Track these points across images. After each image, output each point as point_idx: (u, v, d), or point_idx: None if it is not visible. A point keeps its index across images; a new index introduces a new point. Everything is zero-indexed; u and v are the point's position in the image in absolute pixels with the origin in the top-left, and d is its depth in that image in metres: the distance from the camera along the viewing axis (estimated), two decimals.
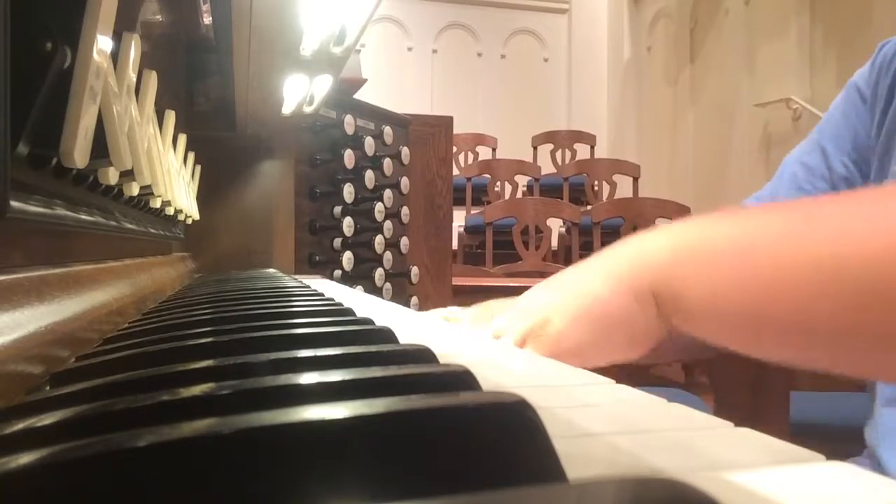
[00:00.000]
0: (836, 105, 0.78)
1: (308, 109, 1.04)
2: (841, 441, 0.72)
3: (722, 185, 4.54)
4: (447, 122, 1.85)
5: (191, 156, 0.98)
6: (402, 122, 1.65)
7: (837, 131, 0.75)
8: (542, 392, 0.26)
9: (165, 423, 0.14)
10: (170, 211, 0.78)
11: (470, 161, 4.67)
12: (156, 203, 0.71)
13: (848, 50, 3.70)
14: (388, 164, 1.51)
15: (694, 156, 4.89)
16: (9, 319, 0.31)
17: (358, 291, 0.99)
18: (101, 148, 0.41)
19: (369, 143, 1.47)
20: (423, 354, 0.26)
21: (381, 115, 1.57)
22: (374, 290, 1.48)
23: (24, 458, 0.13)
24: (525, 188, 4.42)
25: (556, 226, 3.62)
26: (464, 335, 0.46)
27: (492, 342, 0.43)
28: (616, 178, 4.28)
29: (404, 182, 1.57)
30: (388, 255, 1.50)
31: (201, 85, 1.20)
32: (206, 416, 0.15)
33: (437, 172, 1.81)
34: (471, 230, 3.85)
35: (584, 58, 5.80)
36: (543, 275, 2.91)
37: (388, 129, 1.55)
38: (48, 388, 0.30)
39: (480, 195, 4.23)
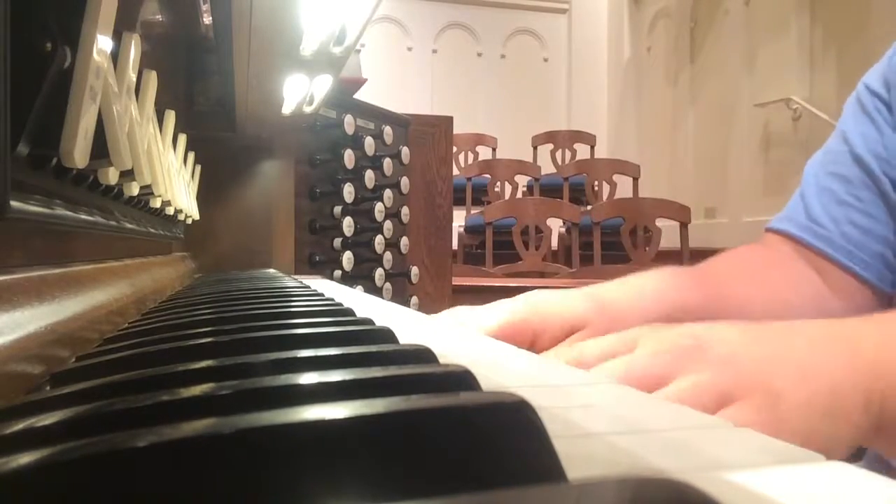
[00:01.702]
0: (854, 112, 0.73)
1: (308, 109, 1.04)
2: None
3: (722, 185, 4.55)
4: (447, 122, 1.85)
5: (191, 156, 0.98)
6: (402, 122, 1.65)
7: (864, 135, 0.70)
8: (542, 392, 0.26)
9: (165, 423, 0.14)
10: (170, 211, 0.78)
11: (470, 161, 4.67)
12: (156, 203, 0.71)
13: (848, 50, 3.70)
14: (388, 164, 1.51)
15: (694, 156, 4.89)
16: (9, 319, 0.31)
17: (358, 291, 0.99)
18: (101, 148, 0.41)
19: (369, 143, 1.47)
20: (423, 354, 0.26)
21: (381, 115, 1.57)
22: (374, 290, 1.48)
23: (24, 458, 0.13)
24: (525, 188, 4.42)
25: (556, 226, 3.62)
26: (464, 335, 0.46)
27: (492, 342, 0.42)
28: (616, 178, 4.28)
29: (404, 182, 1.57)
30: (388, 255, 1.50)
31: (201, 85, 1.20)
32: (206, 416, 0.15)
33: (437, 172, 1.81)
34: (471, 230, 3.85)
35: (584, 58, 5.80)
36: (543, 275, 2.89)
37: (388, 129, 1.55)
38: (48, 388, 0.30)
39: (480, 195, 4.23)
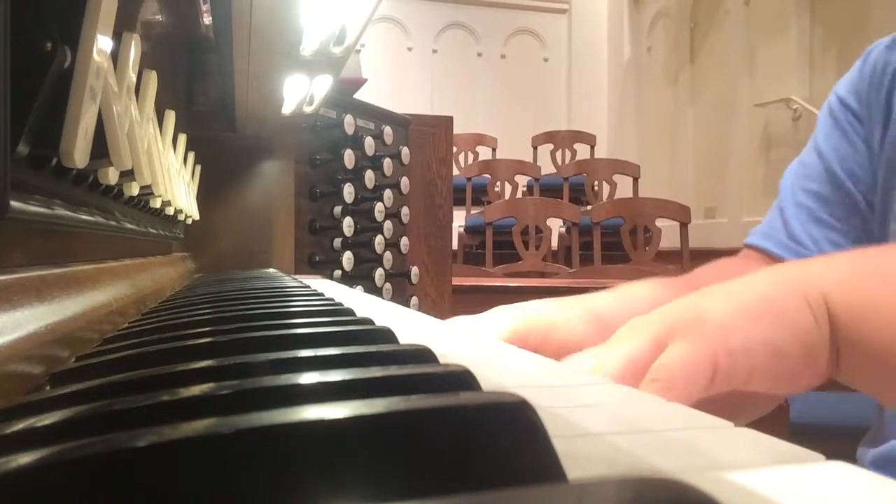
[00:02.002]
0: (828, 126, 0.72)
1: (308, 109, 1.04)
2: (840, 441, 0.72)
3: (722, 185, 4.55)
4: (447, 122, 1.85)
5: (191, 156, 0.98)
6: (402, 122, 1.65)
7: (838, 151, 0.70)
8: (543, 392, 0.26)
9: (165, 423, 0.14)
10: (170, 211, 0.78)
11: (470, 161, 4.67)
12: (156, 203, 0.71)
13: (848, 50, 3.69)
14: (388, 164, 1.51)
15: (694, 156, 4.89)
16: (9, 319, 0.31)
17: (358, 291, 0.99)
18: (101, 148, 0.41)
19: (369, 143, 1.47)
20: (423, 354, 0.26)
21: (381, 115, 1.57)
22: (374, 290, 1.47)
23: (24, 458, 0.13)
24: (525, 188, 4.43)
25: (556, 226, 3.62)
26: (464, 335, 0.46)
27: (492, 342, 0.43)
28: (616, 178, 4.28)
29: (404, 182, 1.57)
30: (388, 255, 1.50)
31: (201, 85, 1.20)
32: (206, 416, 0.15)
33: (437, 172, 1.81)
34: (471, 230, 3.85)
35: (584, 58, 5.80)
36: (543, 275, 2.89)
37: (388, 129, 1.55)
38: (48, 388, 0.30)
39: (480, 195, 4.23)
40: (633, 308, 0.57)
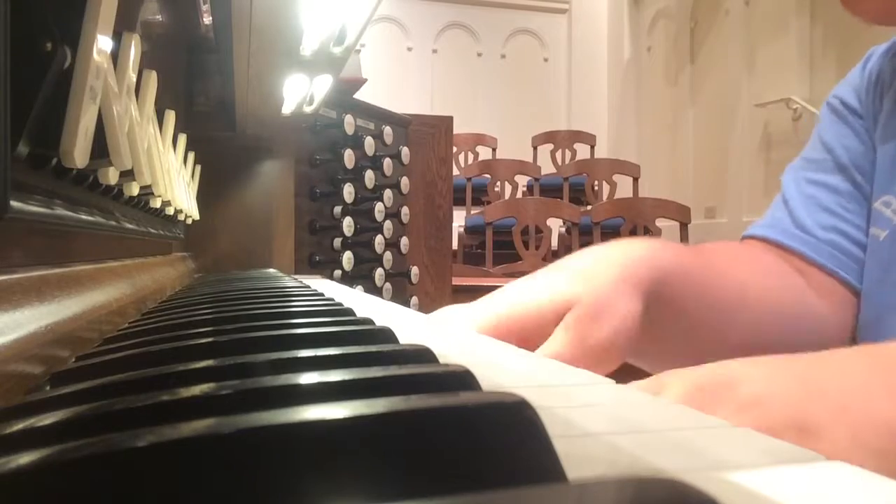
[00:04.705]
0: (833, 123, 0.72)
1: (308, 109, 1.04)
2: None
3: (722, 185, 4.55)
4: (447, 122, 1.85)
5: (191, 156, 0.98)
6: (402, 122, 1.65)
7: (847, 147, 0.70)
8: (542, 392, 0.26)
9: (165, 423, 0.14)
10: (170, 211, 0.78)
11: (470, 161, 4.67)
12: (156, 203, 0.71)
13: (848, 50, 3.69)
14: (388, 164, 1.51)
15: (694, 156, 4.89)
16: (9, 319, 0.31)
17: (358, 291, 0.99)
18: (101, 148, 0.41)
19: (369, 143, 1.47)
20: (423, 354, 0.26)
21: (381, 115, 1.57)
22: (374, 290, 1.48)
23: (24, 458, 0.13)
24: (525, 188, 4.42)
25: (556, 226, 3.62)
26: (464, 335, 0.46)
27: (492, 342, 0.42)
28: (616, 178, 4.28)
29: (404, 182, 1.57)
30: (388, 255, 1.50)
31: (201, 85, 1.20)
32: (206, 416, 0.15)
33: (437, 172, 1.81)
34: (471, 230, 3.85)
35: (584, 58, 5.80)
36: None
37: (388, 129, 1.55)
38: (48, 388, 0.30)
39: (480, 195, 4.23)
40: (618, 256, 0.54)
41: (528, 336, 0.50)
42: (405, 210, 1.56)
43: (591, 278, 0.51)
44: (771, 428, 0.30)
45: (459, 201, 3.85)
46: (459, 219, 3.65)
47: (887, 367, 0.36)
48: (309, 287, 0.69)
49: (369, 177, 1.45)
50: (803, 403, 0.33)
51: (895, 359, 0.37)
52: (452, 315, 0.53)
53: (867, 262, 0.66)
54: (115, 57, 0.45)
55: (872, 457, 0.32)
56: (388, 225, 1.51)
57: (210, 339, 0.31)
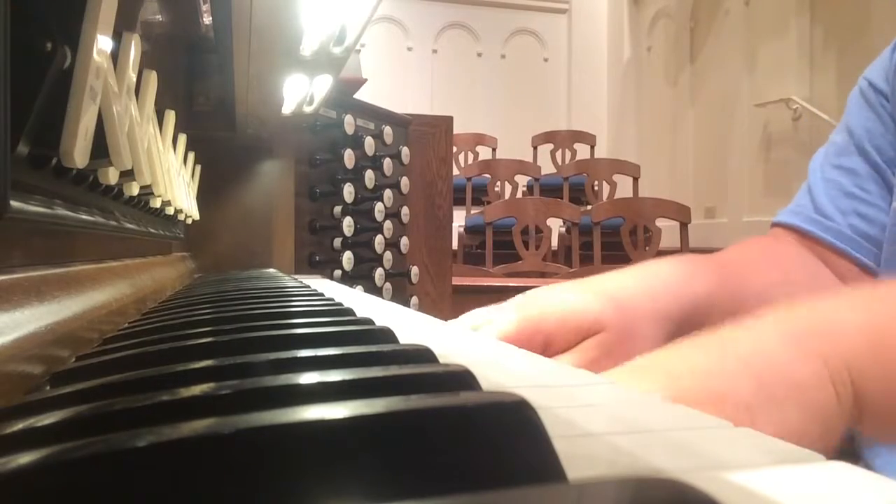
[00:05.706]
0: (858, 106, 0.73)
1: (308, 109, 1.04)
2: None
3: (722, 185, 4.55)
4: (447, 122, 1.85)
5: (191, 156, 0.98)
6: (402, 122, 1.65)
7: (869, 130, 0.71)
8: (543, 392, 0.26)
9: (165, 423, 0.14)
10: (170, 211, 0.78)
11: (470, 161, 4.67)
12: (156, 203, 0.71)
13: (848, 50, 3.70)
14: (388, 164, 1.51)
15: (694, 156, 4.89)
16: (9, 319, 0.31)
17: (358, 291, 0.99)
18: (101, 148, 0.41)
19: (369, 143, 1.47)
20: (423, 354, 0.26)
21: (381, 115, 1.57)
22: (374, 290, 1.47)
23: (24, 458, 0.13)
24: (525, 188, 4.42)
25: (556, 226, 3.62)
26: (464, 335, 0.46)
27: (492, 342, 0.42)
28: (616, 178, 4.28)
29: (404, 182, 1.57)
30: (388, 255, 1.50)
31: (201, 85, 1.20)
32: (206, 416, 0.15)
33: (437, 172, 1.81)
34: (471, 230, 3.85)
35: (584, 58, 5.80)
36: (543, 275, 2.88)
37: (388, 129, 1.55)
38: (48, 388, 0.30)
39: (480, 195, 4.23)
40: (650, 287, 0.58)
41: (552, 341, 0.52)
42: (405, 210, 1.56)
43: (624, 308, 0.55)
44: (685, 397, 0.33)
45: (459, 201, 3.85)
46: (459, 219, 3.65)
47: (791, 331, 0.40)
48: (309, 287, 0.69)
49: (369, 177, 1.45)
50: (713, 370, 0.37)
51: (799, 322, 0.41)
52: (478, 317, 0.54)
53: (888, 234, 0.68)
54: (115, 57, 0.45)
55: (777, 408, 0.35)
56: (388, 225, 1.51)
57: (210, 340, 0.31)
